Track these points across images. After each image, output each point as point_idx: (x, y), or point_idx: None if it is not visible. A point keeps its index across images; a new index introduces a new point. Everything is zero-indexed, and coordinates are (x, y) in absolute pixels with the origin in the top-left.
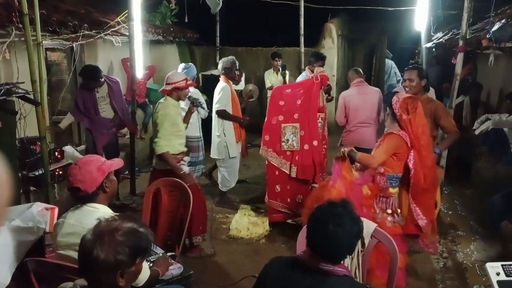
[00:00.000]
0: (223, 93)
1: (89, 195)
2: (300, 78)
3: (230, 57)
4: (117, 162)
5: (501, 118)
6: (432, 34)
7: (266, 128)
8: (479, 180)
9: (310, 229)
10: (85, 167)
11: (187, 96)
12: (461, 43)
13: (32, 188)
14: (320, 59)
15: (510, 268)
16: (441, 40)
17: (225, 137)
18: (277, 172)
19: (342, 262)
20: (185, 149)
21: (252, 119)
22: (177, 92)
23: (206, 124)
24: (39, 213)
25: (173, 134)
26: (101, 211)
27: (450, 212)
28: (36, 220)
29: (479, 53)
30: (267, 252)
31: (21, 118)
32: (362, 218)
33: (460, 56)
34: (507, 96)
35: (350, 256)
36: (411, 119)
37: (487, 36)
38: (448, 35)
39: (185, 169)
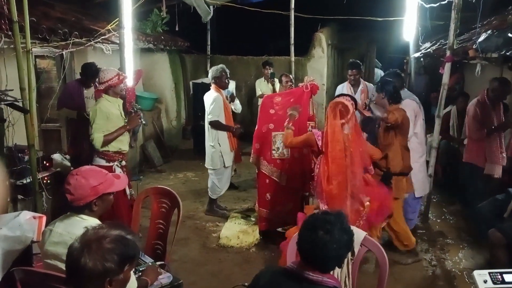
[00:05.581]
0: (215, 103)
1: (73, 207)
2: (339, 89)
3: (219, 65)
4: (120, 183)
5: None
6: (420, 44)
7: (256, 136)
8: (466, 188)
9: (301, 234)
10: (80, 181)
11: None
12: (448, 53)
13: (19, 197)
14: (350, 67)
15: (497, 276)
16: (429, 50)
17: (220, 146)
18: (267, 180)
19: (331, 272)
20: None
21: (244, 128)
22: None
23: (199, 134)
24: (26, 222)
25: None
26: (89, 222)
27: (438, 220)
28: (23, 229)
29: (466, 63)
30: (257, 261)
31: (10, 126)
32: (352, 227)
33: (447, 66)
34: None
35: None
36: (329, 123)
37: (474, 47)
38: (436, 45)
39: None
